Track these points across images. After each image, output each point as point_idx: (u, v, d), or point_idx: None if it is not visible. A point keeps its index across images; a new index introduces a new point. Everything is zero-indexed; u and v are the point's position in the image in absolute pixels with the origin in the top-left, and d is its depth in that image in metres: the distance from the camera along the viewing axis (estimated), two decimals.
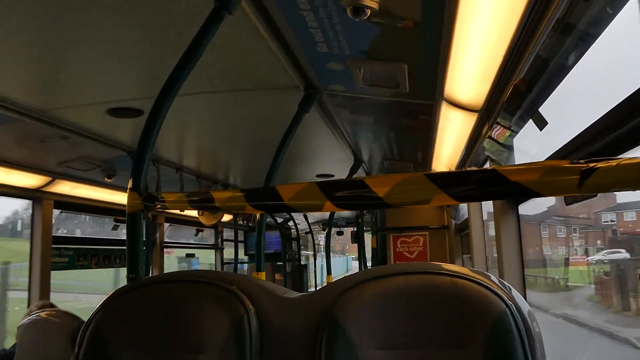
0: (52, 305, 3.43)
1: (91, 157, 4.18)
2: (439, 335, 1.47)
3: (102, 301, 1.75)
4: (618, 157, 1.23)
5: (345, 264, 30.30)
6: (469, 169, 1.57)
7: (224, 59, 2.54)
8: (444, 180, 1.46)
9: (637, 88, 1.49)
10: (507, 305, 1.43)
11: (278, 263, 10.68)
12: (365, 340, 1.50)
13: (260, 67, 2.66)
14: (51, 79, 2.78)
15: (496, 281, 1.51)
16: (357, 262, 9.06)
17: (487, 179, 1.40)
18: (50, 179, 4.49)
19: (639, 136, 1.57)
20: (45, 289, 4.51)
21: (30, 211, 4.68)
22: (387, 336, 1.50)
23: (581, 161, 1.26)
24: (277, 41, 2.37)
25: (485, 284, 1.47)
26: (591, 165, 1.23)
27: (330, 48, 2.45)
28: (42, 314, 3.18)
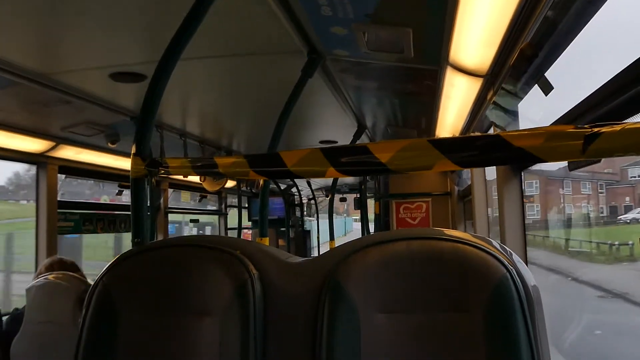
0: (61, 260, 3.46)
1: (94, 122, 4.17)
2: (440, 300, 1.49)
3: (107, 265, 1.78)
4: (622, 122, 1.22)
5: (343, 227, 30.35)
6: (472, 134, 1.56)
7: (226, 22, 2.51)
8: (448, 145, 1.46)
9: None
10: (508, 270, 1.44)
11: (281, 229, 10.77)
12: (366, 304, 1.53)
13: (263, 31, 2.63)
14: (53, 42, 2.76)
15: (497, 246, 1.52)
16: (359, 224, 9.09)
17: (491, 144, 1.39)
18: (54, 143, 4.50)
19: None
20: (52, 254, 4.58)
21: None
22: (388, 300, 1.52)
23: (585, 126, 1.26)
24: (280, 4, 2.33)
25: (486, 249, 1.48)
26: (595, 130, 1.23)
27: (334, 11, 2.41)
28: (50, 277, 3.23)
